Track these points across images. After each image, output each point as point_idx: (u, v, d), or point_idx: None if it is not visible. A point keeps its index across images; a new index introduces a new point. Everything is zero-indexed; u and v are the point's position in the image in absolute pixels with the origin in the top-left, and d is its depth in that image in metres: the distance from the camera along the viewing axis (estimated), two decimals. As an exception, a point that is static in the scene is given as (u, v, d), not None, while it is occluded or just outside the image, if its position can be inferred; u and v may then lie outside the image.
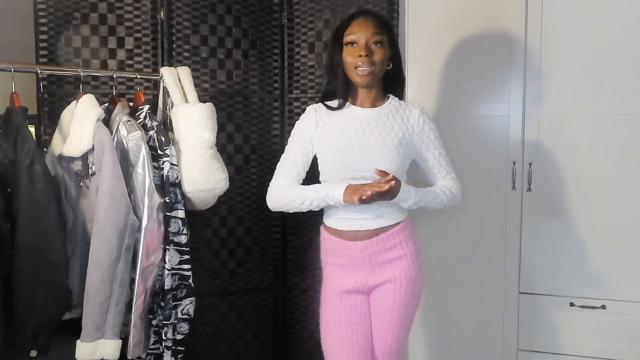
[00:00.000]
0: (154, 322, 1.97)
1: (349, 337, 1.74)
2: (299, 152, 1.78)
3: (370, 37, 1.66)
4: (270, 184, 1.82)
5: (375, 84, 1.73)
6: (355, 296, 1.76)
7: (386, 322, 1.75)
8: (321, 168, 1.77)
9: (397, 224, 1.74)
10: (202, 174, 1.94)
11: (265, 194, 2.48)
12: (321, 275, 1.86)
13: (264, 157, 2.50)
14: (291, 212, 1.77)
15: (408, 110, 1.76)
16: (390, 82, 1.77)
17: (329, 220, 1.78)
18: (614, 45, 2.06)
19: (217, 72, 2.40)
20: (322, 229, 1.82)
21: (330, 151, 1.73)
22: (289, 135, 2.47)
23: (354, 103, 1.76)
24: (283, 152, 2.49)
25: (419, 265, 1.77)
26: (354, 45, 1.67)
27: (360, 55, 1.65)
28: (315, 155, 1.79)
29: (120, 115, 1.94)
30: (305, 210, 1.74)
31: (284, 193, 1.76)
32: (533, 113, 2.16)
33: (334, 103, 1.77)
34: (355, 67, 1.67)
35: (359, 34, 1.66)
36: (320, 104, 1.80)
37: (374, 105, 1.75)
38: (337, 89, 1.74)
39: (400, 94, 1.81)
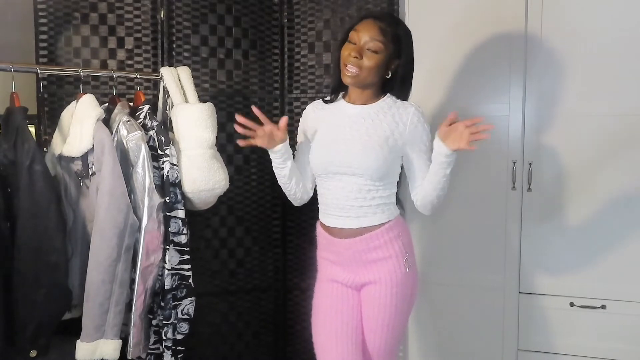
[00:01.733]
0: (154, 322, 1.97)
1: (339, 327, 1.72)
2: (304, 147, 1.81)
3: (367, 40, 1.63)
4: None
5: (369, 85, 1.70)
6: (346, 288, 1.75)
7: (373, 324, 1.73)
8: (309, 160, 1.78)
9: (382, 224, 1.71)
10: (202, 174, 1.94)
11: (265, 194, 2.51)
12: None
13: (264, 157, 2.49)
14: (291, 193, 1.84)
15: (403, 108, 1.71)
16: (393, 89, 1.73)
17: (320, 215, 1.79)
18: (614, 45, 2.06)
19: (217, 72, 2.40)
20: (317, 223, 1.82)
21: (314, 144, 1.74)
22: (289, 136, 2.50)
23: (346, 99, 1.77)
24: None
25: (407, 267, 1.72)
26: (353, 43, 1.66)
27: (350, 55, 1.64)
28: None
29: (120, 115, 1.94)
30: (290, 185, 1.80)
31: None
32: (533, 113, 2.16)
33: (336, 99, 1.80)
34: (345, 65, 1.66)
35: (359, 34, 1.65)
36: (320, 100, 1.83)
37: (366, 103, 1.73)
38: (332, 83, 1.76)
39: (402, 97, 1.76)
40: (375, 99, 1.74)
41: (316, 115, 1.80)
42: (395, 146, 1.69)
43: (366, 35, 1.64)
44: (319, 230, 1.80)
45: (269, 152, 1.74)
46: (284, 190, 1.84)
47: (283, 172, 1.77)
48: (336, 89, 1.79)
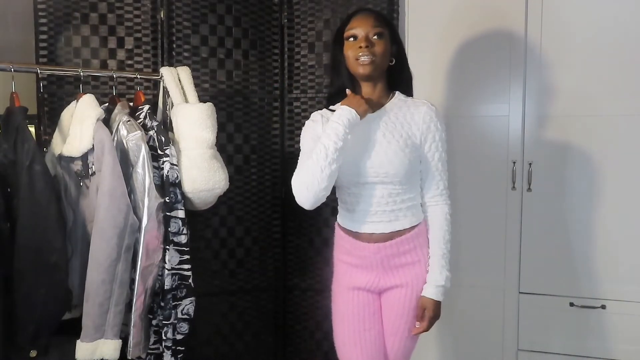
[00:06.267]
0: (154, 322, 1.97)
1: (363, 334, 1.72)
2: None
3: (370, 29, 1.65)
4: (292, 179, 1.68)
5: (379, 78, 1.70)
6: (367, 294, 1.74)
7: (395, 327, 1.72)
8: None
9: (412, 228, 1.70)
10: (202, 173, 1.93)
11: (265, 194, 2.51)
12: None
13: (264, 157, 2.50)
14: (323, 185, 1.59)
15: (414, 106, 1.70)
16: (396, 79, 1.74)
17: (343, 220, 1.75)
18: (614, 45, 2.06)
19: (217, 72, 2.40)
20: (336, 225, 1.79)
21: None
22: (289, 135, 2.51)
23: None
24: (283, 152, 2.51)
25: None
26: (355, 39, 1.66)
27: (360, 47, 1.63)
28: None
29: (120, 115, 1.94)
30: (334, 168, 1.58)
31: (303, 170, 1.63)
32: (533, 113, 2.16)
33: (338, 106, 1.73)
34: (357, 59, 1.64)
35: (358, 28, 1.65)
36: (325, 109, 1.76)
37: (378, 103, 1.71)
38: (333, 88, 1.73)
39: (408, 90, 1.77)
40: (385, 98, 1.72)
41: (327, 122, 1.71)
42: (413, 147, 1.67)
43: (366, 26, 1.65)
44: (341, 234, 1.76)
45: (346, 121, 1.58)
46: (318, 179, 1.58)
47: (343, 145, 1.59)
48: (339, 94, 1.74)
